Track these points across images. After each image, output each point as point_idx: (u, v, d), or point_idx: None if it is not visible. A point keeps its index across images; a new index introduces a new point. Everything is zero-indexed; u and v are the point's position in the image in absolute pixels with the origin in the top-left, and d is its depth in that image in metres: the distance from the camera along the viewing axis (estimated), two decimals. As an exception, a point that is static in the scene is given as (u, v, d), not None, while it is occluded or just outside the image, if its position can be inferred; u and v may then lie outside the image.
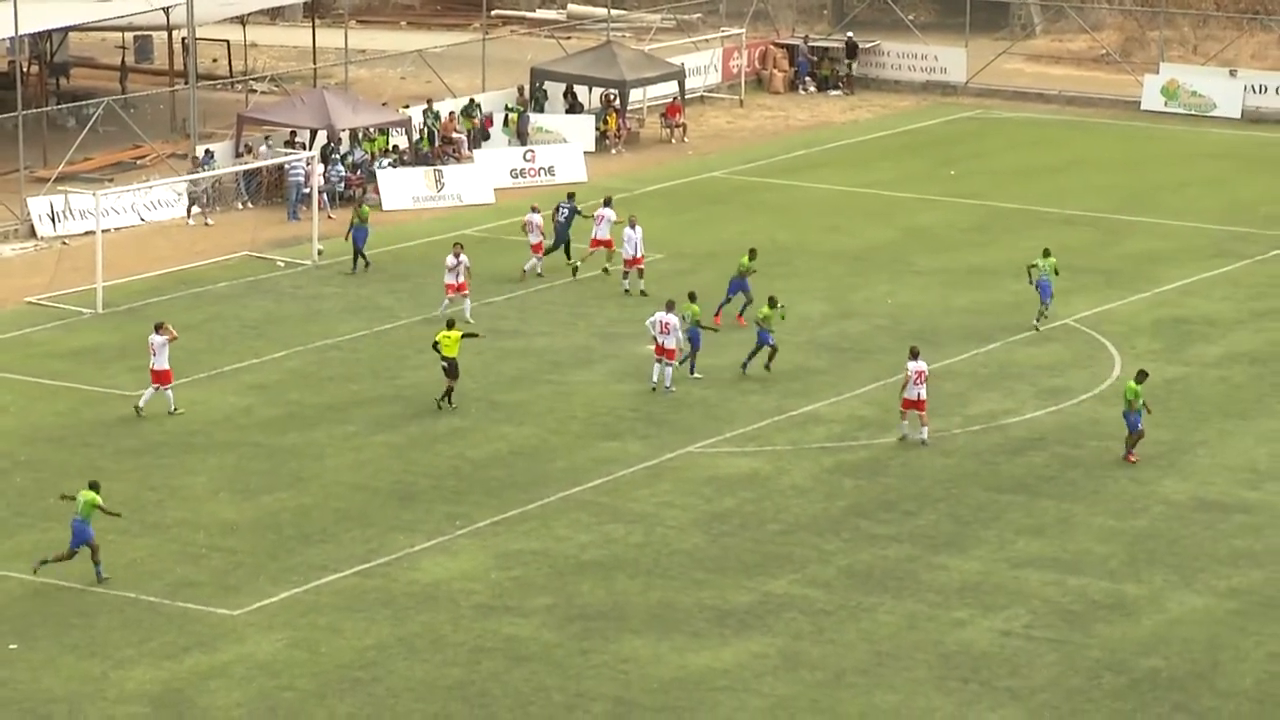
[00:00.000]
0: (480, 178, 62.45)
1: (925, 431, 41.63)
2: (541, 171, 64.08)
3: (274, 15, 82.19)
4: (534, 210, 53.44)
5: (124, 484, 39.23)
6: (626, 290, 50.96)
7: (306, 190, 57.75)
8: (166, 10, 66.46)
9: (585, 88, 69.39)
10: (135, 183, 58.97)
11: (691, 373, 45.00)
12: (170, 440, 41.66)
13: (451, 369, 43.33)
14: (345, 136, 62.08)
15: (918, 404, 41.59)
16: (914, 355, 42.01)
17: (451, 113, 65.73)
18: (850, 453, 41.42)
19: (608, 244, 52.82)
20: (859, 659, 32.70)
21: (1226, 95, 73.63)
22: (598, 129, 67.98)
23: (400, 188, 61.17)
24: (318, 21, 74.92)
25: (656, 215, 56.98)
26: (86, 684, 31.54)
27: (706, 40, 78.30)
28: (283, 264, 54.42)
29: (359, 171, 61.38)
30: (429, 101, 66.07)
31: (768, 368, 45.24)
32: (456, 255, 49.08)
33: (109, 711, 30.76)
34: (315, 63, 71.95)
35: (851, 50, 77.93)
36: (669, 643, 33.12)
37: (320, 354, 47.19)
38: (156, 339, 42.99)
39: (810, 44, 78.69)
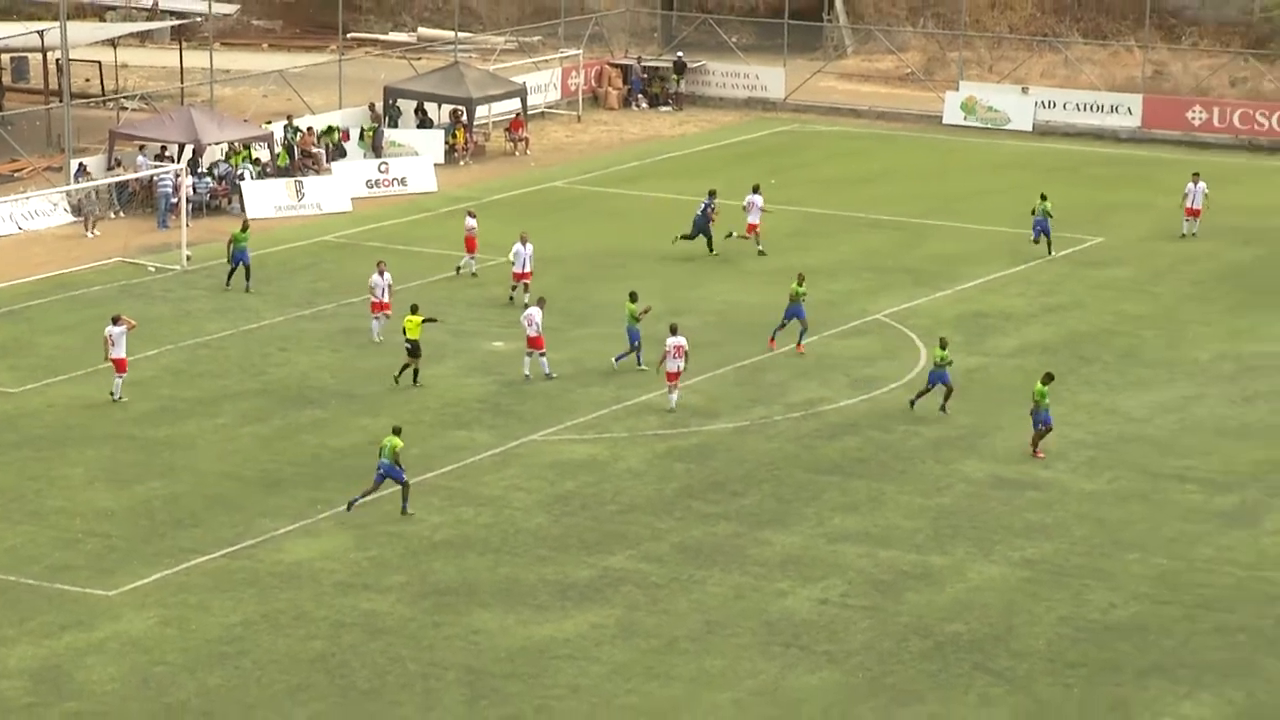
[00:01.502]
0: (338, 188, 62.09)
1: (674, 399, 42.34)
2: (395, 182, 63.83)
3: (143, 38, 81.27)
4: (470, 215, 53.32)
5: (4, 475, 38.68)
6: (512, 300, 49.80)
7: (175, 200, 57.18)
8: (41, 34, 65.58)
9: (435, 105, 69.23)
10: (13, 194, 58.17)
11: (639, 364, 44.97)
12: (49, 434, 41.11)
13: (414, 349, 43.82)
14: (211, 150, 61.52)
15: (674, 375, 42.27)
16: (673, 331, 42.67)
17: (310, 128, 65.30)
18: (682, 439, 41.57)
19: (753, 228, 54.74)
20: (690, 627, 32.85)
21: (1019, 110, 74.62)
22: (447, 143, 67.82)
23: (263, 197, 60.71)
24: (185, 44, 74.19)
25: (502, 223, 56.91)
26: (-29, 662, 31.10)
27: (547, 61, 78.31)
28: (153, 269, 53.85)
29: (224, 183, 60.89)
30: (289, 118, 65.62)
31: (943, 409, 42.43)
32: (381, 273, 47.27)
33: (-8, 687, 30.34)
34: (183, 82, 71.23)
35: (680, 70, 78.24)
36: (515, 615, 33.11)
37: (190, 352, 46.74)
38: (114, 329, 42.67)
39: (642, 64, 78.93)
